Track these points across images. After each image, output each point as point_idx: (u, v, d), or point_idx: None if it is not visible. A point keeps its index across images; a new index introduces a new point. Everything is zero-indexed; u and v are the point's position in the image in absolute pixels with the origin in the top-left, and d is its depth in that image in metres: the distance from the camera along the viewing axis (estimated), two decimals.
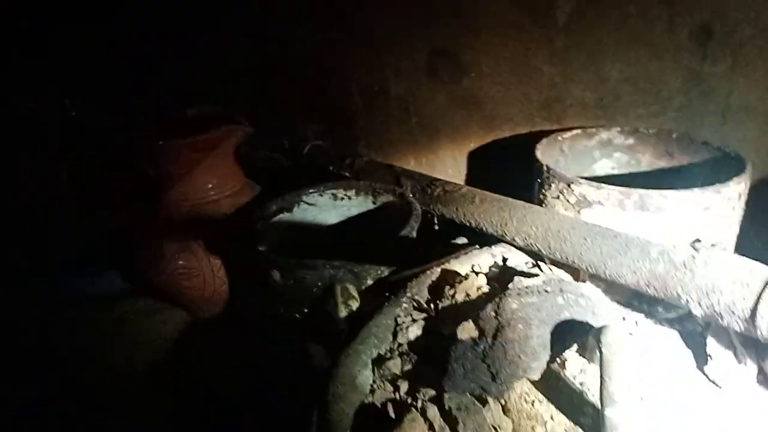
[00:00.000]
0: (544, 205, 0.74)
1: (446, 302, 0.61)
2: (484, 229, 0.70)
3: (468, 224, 0.73)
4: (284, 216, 0.82)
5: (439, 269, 0.65)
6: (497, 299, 0.56)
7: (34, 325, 0.96)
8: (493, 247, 0.69)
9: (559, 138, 0.82)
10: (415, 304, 0.62)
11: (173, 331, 0.91)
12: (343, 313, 0.66)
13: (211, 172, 0.83)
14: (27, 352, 0.91)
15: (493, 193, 0.74)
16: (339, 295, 0.67)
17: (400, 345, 0.59)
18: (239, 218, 0.82)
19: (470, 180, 0.95)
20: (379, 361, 0.57)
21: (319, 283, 0.69)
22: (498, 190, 0.76)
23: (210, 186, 0.83)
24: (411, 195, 0.78)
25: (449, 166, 0.97)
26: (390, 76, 0.97)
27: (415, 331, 0.60)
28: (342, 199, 0.84)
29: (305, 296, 0.69)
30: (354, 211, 0.85)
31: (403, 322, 0.61)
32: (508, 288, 0.59)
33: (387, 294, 0.65)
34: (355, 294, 0.67)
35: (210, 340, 0.87)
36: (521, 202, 0.69)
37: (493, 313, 0.55)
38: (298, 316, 0.71)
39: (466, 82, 0.91)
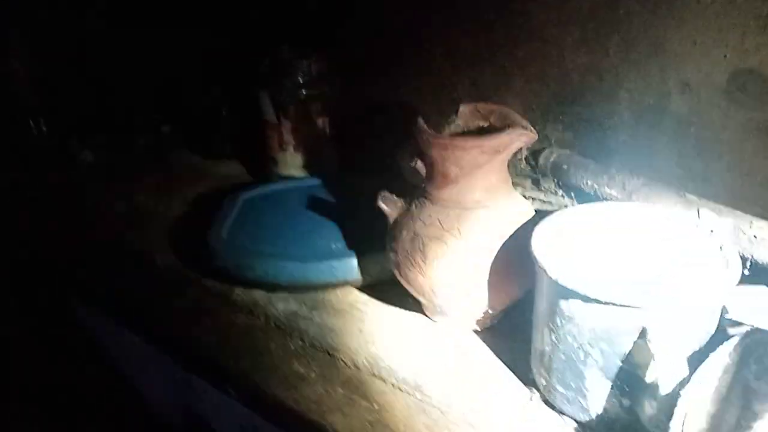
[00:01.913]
0: None
1: None
2: None
3: None
4: (559, 233, 0.76)
5: None
6: None
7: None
8: None
9: None
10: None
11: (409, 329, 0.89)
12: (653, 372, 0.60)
13: (488, 178, 0.79)
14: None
15: None
16: (647, 353, 0.61)
17: (756, 417, 0.53)
18: (516, 231, 0.77)
19: None
20: None
21: (628, 323, 0.62)
22: None
23: (484, 191, 0.79)
24: (720, 233, 0.70)
25: (724, 197, 0.87)
26: (673, 91, 0.89)
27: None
28: (623, 223, 0.77)
29: (607, 334, 0.63)
30: (634, 238, 0.77)
31: (758, 388, 0.54)
32: None
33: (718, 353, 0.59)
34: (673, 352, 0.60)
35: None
36: None
37: None
38: (590, 351, 0.65)
39: None
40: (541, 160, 1.00)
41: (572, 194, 0.97)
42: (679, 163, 0.92)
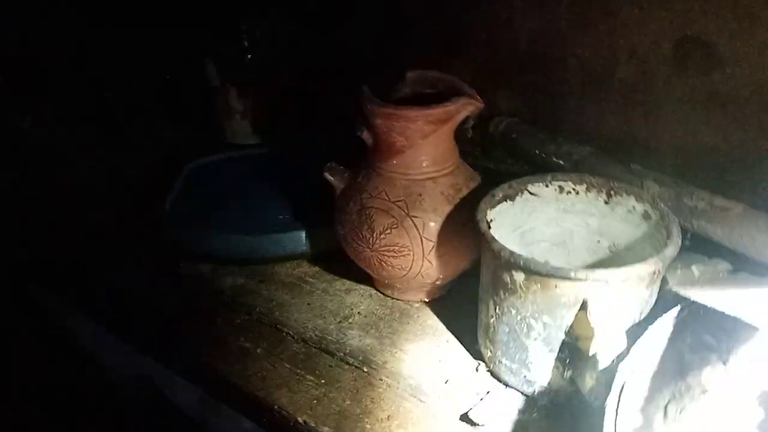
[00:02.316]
0: None
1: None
2: None
3: (739, 252, 0.65)
4: (506, 205, 0.76)
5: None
6: None
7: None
8: None
9: None
10: (709, 341, 0.55)
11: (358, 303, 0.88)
12: (594, 344, 0.60)
13: (435, 147, 0.78)
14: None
15: None
16: (588, 325, 0.60)
17: (689, 389, 0.53)
18: (463, 201, 0.76)
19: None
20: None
21: (570, 295, 0.62)
22: None
23: (431, 161, 0.78)
24: (663, 203, 0.69)
25: (668, 165, 0.88)
26: (621, 58, 0.88)
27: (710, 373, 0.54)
28: (569, 193, 0.77)
29: (549, 306, 0.63)
30: (578, 208, 0.77)
31: (692, 361, 0.55)
32: None
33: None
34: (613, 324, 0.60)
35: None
36: None
37: None
38: (533, 323, 0.65)
39: (716, 77, 0.82)
40: (490, 128, 0.99)
41: (521, 163, 0.96)
42: (626, 130, 0.92)
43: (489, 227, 0.69)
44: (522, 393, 0.70)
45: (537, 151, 0.91)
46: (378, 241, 0.78)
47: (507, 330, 0.68)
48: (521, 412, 0.69)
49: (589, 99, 0.94)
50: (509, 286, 0.65)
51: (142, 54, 1.39)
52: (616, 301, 0.61)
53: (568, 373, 0.65)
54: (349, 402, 0.72)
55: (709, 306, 0.55)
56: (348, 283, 0.92)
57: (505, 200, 0.76)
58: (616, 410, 0.55)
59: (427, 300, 0.87)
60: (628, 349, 0.60)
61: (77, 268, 0.99)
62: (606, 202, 0.76)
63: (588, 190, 0.77)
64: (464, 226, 0.76)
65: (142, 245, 1.01)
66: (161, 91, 1.41)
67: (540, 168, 0.91)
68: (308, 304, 0.88)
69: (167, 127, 1.37)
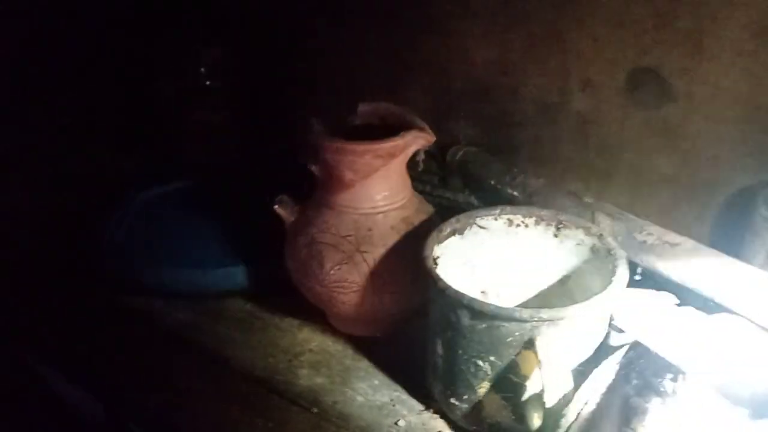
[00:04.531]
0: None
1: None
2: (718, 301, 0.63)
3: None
4: (454, 239, 0.76)
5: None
6: None
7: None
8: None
9: None
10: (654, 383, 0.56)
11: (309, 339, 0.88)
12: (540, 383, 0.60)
13: (385, 181, 0.79)
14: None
15: None
16: (534, 364, 0.61)
17: None
18: (415, 235, 0.77)
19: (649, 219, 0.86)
20: None
21: (516, 335, 0.62)
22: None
23: (381, 196, 0.78)
24: (611, 238, 0.71)
25: (625, 195, 0.89)
26: (574, 89, 0.90)
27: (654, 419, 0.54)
28: (518, 226, 0.78)
29: (495, 346, 0.64)
30: (527, 242, 0.78)
31: (635, 406, 0.55)
32: None
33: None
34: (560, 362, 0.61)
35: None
36: None
37: None
38: (480, 363, 0.65)
39: (668, 109, 0.84)
40: (447, 157, 1.00)
41: (478, 192, 0.97)
42: (582, 160, 0.93)
43: (435, 264, 0.70)
44: None
45: (492, 182, 0.92)
46: (328, 277, 0.78)
47: (455, 370, 0.68)
48: None
49: (544, 128, 0.95)
50: (455, 325, 0.65)
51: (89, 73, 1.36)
52: (562, 339, 0.62)
53: (516, 413, 0.66)
54: None
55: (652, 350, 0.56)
56: (301, 318, 0.91)
57: (453, 234, 0.76)
58: None
59: (380, 335, 0.87)
60: (575, 389, 0.61)
61: (14, 304, 0.98)
62: (555, 236, 0.77)
63: (537, 223, 0.77)
64: (415, 261, 0.76)
65: (83, 280, 1.00)
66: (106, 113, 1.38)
67: (496, 198, 0.92)
68: (259, 341, 0.88)
69: (109, 152, 1.34)
